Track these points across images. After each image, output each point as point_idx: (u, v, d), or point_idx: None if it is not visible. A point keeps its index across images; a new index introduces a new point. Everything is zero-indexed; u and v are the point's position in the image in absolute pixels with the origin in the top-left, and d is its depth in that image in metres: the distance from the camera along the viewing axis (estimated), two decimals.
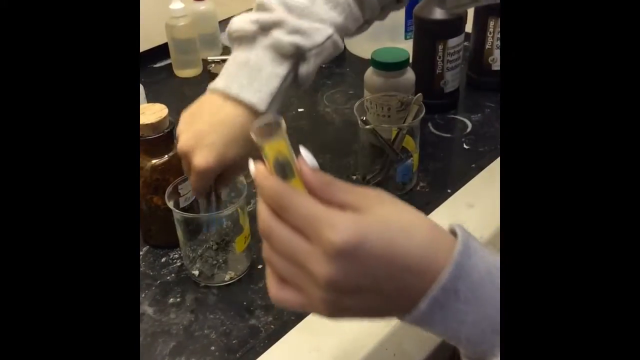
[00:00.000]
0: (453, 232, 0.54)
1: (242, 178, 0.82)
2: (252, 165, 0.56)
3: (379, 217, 0.52)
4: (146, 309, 0.81)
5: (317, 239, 0.51)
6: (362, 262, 0.51)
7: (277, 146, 0.54)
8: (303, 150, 0.55)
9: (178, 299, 0.82)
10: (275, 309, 0.79)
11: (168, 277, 0.86)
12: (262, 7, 0.81)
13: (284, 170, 0.54)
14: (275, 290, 0.56)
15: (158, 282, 0.85)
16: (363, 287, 0.51)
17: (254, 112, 0.75)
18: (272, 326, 0.77)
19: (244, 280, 0.84)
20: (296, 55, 0.77)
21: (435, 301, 0.51)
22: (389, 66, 1.02)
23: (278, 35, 0.76)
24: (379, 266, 0.51)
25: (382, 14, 0.89)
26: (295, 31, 0.77)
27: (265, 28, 0.77)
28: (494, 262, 0.53)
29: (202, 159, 0.73)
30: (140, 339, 0.77)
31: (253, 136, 0.54)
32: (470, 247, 0.52)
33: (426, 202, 0.96)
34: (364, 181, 0.99)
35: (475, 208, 0.92)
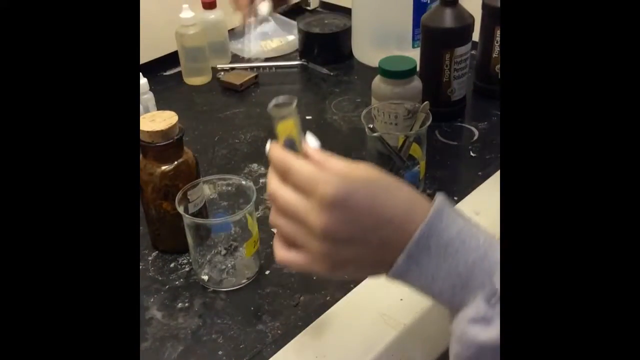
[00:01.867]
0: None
1: (250, 184, 0.84)
2: (268, 144, 0.64)
3: (365, 177, 0.61)
4: (155, 313, 0.81)
5: (313, 195, 0.59)
6: (352, 212, 0.58)
7: (287, 125, 0.63)
8: (309, 135, 0.66)
9: (186, 304, 0.83)
10: (283, 314, 0.79)
11: (177, 282, 0.86)
12: None
13: (292, 147, 0.63)
14: (281, 253, 0.64)
15: (167, 287, 0.85)
16: (354, 236, 0.59)
17: None
18: (279, 331, 0.78)
19: (252, 286, 0.85)
20: None
21: (410, 256, 0.59)
22: (396, 74, 1.02)
23: None
24: (365, 217, 0.59)
25: None
26: None
27: None
28: (465, 225, 0.60)
29: None
30: (149, 343, 0.78)
31: (270, 113, 0.62)
32: (444, 211, 0.60)
33: None
34: None
35: (481, 215, 0.92)
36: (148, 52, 1.37)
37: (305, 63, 1.44)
